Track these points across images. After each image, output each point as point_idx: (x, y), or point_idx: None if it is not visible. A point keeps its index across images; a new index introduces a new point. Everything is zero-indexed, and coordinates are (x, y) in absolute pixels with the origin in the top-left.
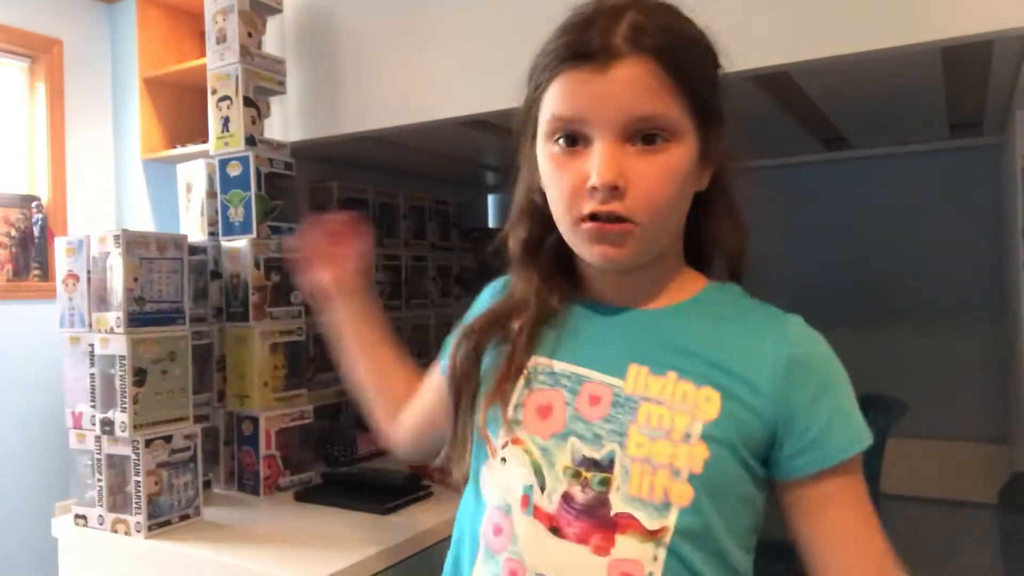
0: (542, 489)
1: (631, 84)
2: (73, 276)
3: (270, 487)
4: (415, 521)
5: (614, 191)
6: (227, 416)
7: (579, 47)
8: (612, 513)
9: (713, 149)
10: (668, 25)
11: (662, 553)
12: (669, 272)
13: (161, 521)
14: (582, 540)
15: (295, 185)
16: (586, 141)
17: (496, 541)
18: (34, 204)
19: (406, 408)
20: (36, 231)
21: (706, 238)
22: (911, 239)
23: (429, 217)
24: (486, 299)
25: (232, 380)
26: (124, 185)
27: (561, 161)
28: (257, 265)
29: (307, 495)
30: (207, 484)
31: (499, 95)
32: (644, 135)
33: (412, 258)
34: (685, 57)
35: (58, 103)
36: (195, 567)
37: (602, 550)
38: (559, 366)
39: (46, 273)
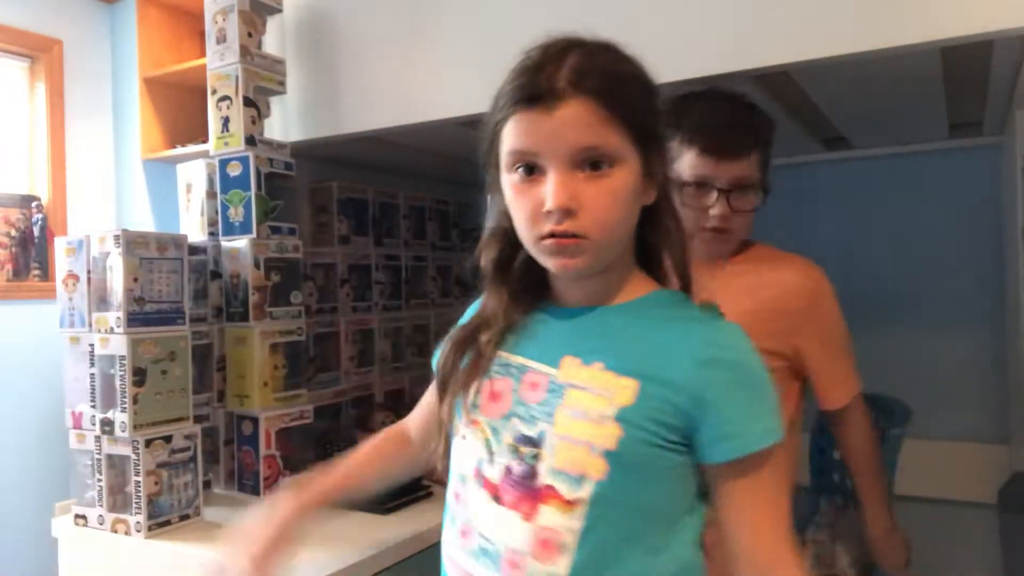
0: (490, 462)
1: (575, 122)
2: (73, 276)
3: (270, 487)
4: (415, 521)
5: (567, 213)
6: (227, 416)
7: (529, 91)
8: (538, 484)
9: (656, 168)
10: (607, 67)
11: (578, 524)
12: (619, 277)
13: (161, 521)
14: (514, 507)
15: (295, 185)
16: (541, 170)
17: (455, 506)
18: (34, 204)
19: (421, 436)
20: (36, 231)
21: (654, 246)
22: (911, 239)
23: (429, 217)
24: (466, 317)
25: (232, 380)
26: (124, 185)
27: (521, 188)
28: (257, 265)
29: None
30: (207, 484)
31: None
32: (591, 162)
33: (412, 258)
34: (622, 95)
35: (58, 103)
36: (195, 567)
37: (529, 516)
38: (513, 359)
39: (46, 273)
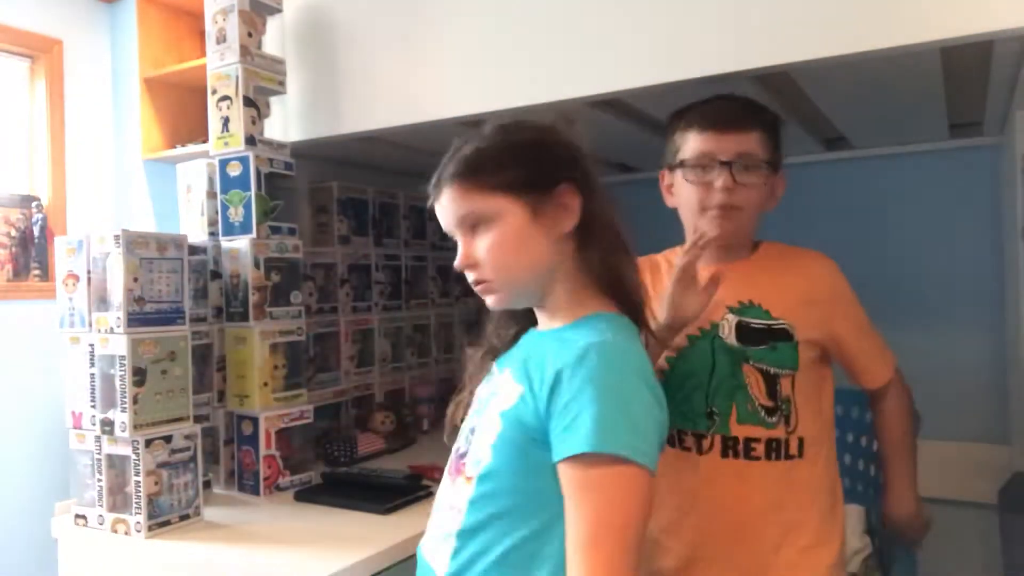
0: (457, 444)
1: (448, 203)
2: (73, 276)
3: (270, 487)
4: (415, 521)
5: (470, 268)
6: (227, 416)
7: (430, 188)
8: (463, 462)
9: (548, 207)
10: (464, 155)
11: (469, 492)
12: (559, 305)
13: (161, 521)
14: (451, 477)
15: (295, 185)
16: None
17: None
18: (34, 204)
19: None
20: (36, 231)
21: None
22: (911, 239)
23: (429, 217)
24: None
25: (232, 380)
26: (124, 185)
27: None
28: (257, 265)
29: (307, 495)
30: (207, 484)
31: (499, 95)
32: (471, 226)
33: (412, 258)
34: (479, 169)
35: (58, 103)
36: (195, 567)
37: (453, 485)
38: (494, 369)
39: (46, 273)
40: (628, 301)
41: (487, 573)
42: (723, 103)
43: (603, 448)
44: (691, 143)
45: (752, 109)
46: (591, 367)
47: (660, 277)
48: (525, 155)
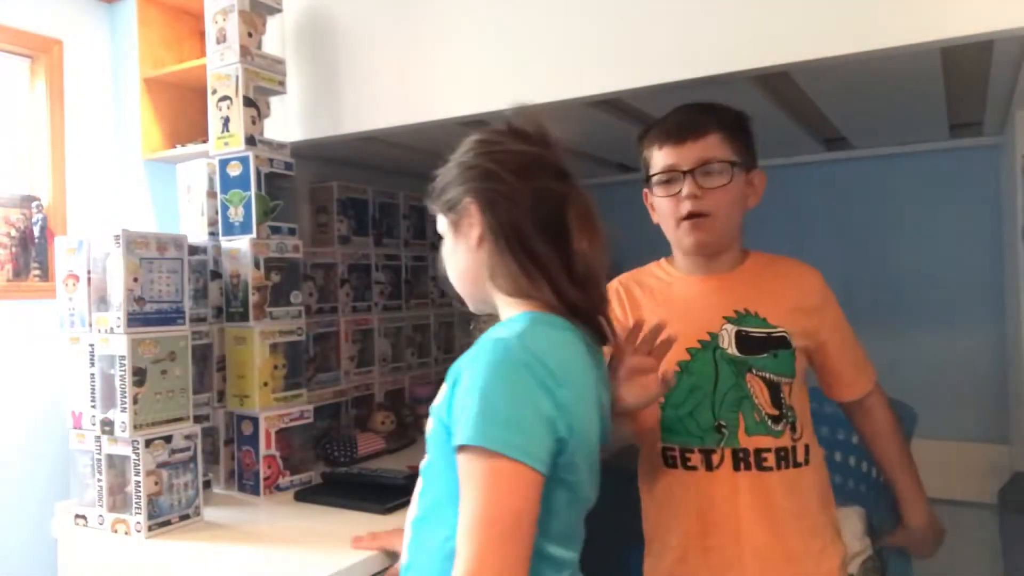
0: None
1: None
2: (73, 276)
3: (270, 487)
4: None
5: None
6: (227, 416)
7: None
8: None
9: (461, 221)
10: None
11: (420, 484)
12: (500, 309)
13: (161, 521)
14: None
15: (295, 185)
16: None
17: None
18: (34, 204)
19: None
20: (36, 231)
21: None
22: (911, 239)
23: (429, 217)
24: None
25: (232, 380)
26: (124, 185)
27: None
28: (257, 265)
29: (307, 495)
30: (207, 484)
31: (499, 95)
32: None
33: (412, 258)
34: (432, 193)
35: (58, 103)
36: (195, 567)
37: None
38: None
39: (46, 273)
40: (552, 304)
41: (430, 562)
42: (679, 114)
43: (475, 441)
44: (655, 159)
45: (708, 112)
46: (481, 362)
47: (635, 298)
48: (448, 175)
